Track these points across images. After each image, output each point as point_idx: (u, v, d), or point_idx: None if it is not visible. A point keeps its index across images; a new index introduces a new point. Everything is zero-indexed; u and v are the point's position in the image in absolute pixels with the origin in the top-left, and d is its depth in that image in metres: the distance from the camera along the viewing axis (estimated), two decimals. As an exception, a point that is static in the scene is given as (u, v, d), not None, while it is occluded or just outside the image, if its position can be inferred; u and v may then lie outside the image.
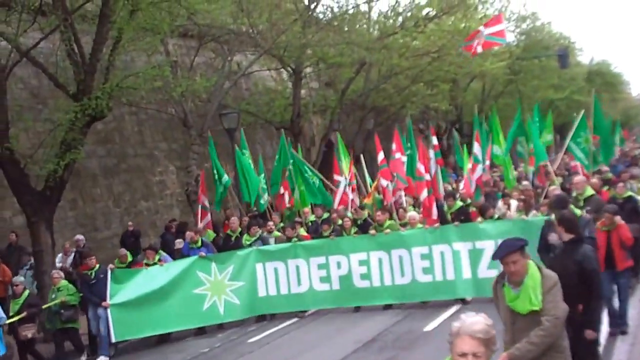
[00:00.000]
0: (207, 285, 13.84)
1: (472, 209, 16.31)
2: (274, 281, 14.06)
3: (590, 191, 12.04)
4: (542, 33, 43.93)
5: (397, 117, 32.41)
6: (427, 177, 17.10)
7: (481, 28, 18.06)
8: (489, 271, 12.40)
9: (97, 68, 15.12)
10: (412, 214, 14.63)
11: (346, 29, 26.97)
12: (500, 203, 16.02)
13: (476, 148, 18.58)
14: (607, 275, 9.61)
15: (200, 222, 17.65)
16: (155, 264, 14.03)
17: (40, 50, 16.14)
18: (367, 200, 16.72)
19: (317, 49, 24.96)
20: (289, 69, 26.30)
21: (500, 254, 5.48)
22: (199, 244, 14.84)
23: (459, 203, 16.76)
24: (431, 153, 18.66)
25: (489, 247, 12.62)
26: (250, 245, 14.53)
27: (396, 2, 26.71)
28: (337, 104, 27.59)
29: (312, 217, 18.05)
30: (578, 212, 9.93)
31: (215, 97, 22.11)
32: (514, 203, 15.50)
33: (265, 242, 14.76)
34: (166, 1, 15.99)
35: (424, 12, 27.33)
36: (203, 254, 14.13)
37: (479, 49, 18.08)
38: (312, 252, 14.09)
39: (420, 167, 17.08)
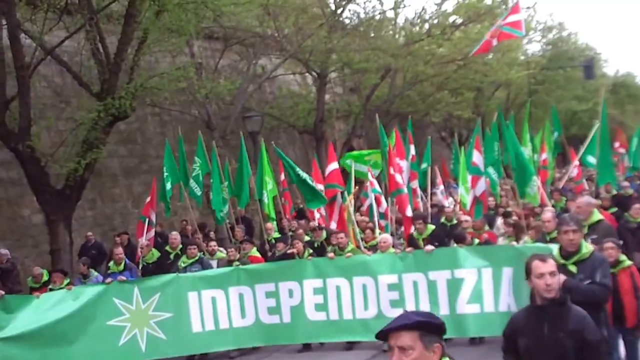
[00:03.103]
0: (126, 316, 11.28)
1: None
2: (211, 313, 11.45)
3: (597, 216, 9.67)
4: (568, 44, 43.62)
5: (421, 124, 32.16)
6: (406, 190, 14.38)
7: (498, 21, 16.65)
8: (469, 306, 10.51)
9: (121, 68, 15.05)
10: (384, 235, 12.14)
11: (372, 34, 26.89)
12: (499, 222, 13.82)
13: (476, 157, 15.62)
14: (614, 332, 7.35)
15: (144, 236, 15.04)
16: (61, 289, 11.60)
17: (65, 49, 16.12)
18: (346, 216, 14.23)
19: (343, 54, 24.85)
20: (313, 73, 26.20)
21: (388, 327, 3.20)
22: (122, 266, 12.41)
23: (431, 227, 13.20)
24: (404, 164, 16.14)
25: (470, 276, 10.56)
26: (185, 269, 12.09)
27: (423, 9, 26.76)
28: (360, 109, 27.40)
29: (276, 234, 15.49)
30: (552, 248, 7.37)
31: (239, 100, 22.06)
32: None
33: (206, 266, 12.36)
34: (193, 2, 15.87)
35: (451, 20, 27.36)
36: (123, 277, 11.75)
37: (494, 42, 16.31)
38: (259, 278, 11.56)
39: (398, 178, 14.12)
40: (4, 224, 17.36)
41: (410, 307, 10.60)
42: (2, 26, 13.41)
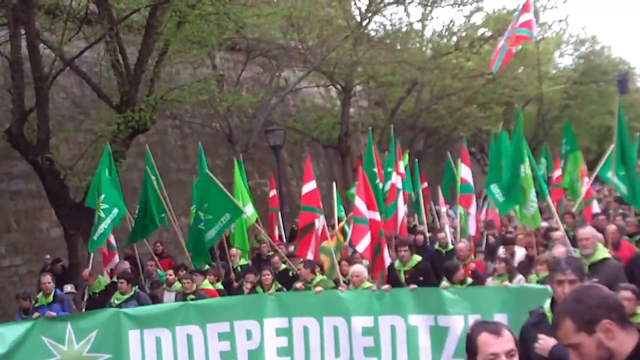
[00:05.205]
0: (56, 357, 9.71)
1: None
2: (154, 356, 9.74)
3: (602, 252, 7.78)
4: (601, 57, 42.94)
5: (449, 139, 31.70)
6: (371, 215, 12.47)
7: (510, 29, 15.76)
8: None
9: (141, 79, 14.85)
10: (356, 267, 10.53)
11: (398, 47, 26.50)
12: (501, 251, 12.17)
13: (465, 172, 13.90)
14: None
15: (105, 265, 13.46)
16: None
17: (84, 60, 15.98)
18: (327, 243, 12.17)
19: (368, 66, 24.61)
20: (338, 86, 25.91)
21: None
22: (51, 298, 10.90)
23: (417, 258, 11.82)
24: (398, 181, 14.79)
25: (456, 325, 8.86)
26: (119, 306, 10.58)
27: (451, 22, 26.37)
28: (386, 123, 26.96)
29: (242, 261, 13.98)
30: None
31: (261, 113, 21.83)
32: (520, 251, 12.04)
33: (143, 302, 10.96)
34: (215, 14, 15.63)
35: (480, 33, 26.95)
36: (53, 313, 10.13)
37: (514, 49, 15.59)
38: (211, 316, 9.77)
39: (360, 206, 12.12)
40: (22, 237, 17.19)
41: (386, 358, 9.12)
42: (21, 36, 13.24)
